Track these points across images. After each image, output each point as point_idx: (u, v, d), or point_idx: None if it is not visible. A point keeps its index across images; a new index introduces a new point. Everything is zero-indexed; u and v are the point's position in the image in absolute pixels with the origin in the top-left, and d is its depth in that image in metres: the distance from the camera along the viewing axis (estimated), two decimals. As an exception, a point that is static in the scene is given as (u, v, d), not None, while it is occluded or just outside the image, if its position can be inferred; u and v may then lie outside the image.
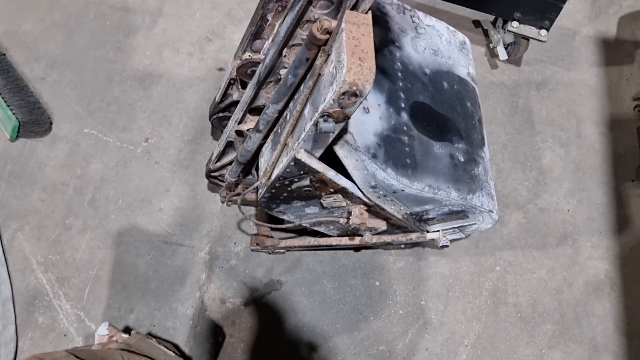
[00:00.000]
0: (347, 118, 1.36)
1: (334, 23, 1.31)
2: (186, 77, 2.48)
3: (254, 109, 1.77)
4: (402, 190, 1.67)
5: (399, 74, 1.85)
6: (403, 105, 1.79)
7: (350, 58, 1.25)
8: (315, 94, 1.41)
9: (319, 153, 1.52)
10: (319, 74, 1.38)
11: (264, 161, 1.82)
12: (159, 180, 2.27)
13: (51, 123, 2.35)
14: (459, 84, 2.01)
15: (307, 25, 1.42)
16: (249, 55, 1.85)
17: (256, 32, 1.75)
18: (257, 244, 2.13)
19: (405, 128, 1.75)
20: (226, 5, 2.67)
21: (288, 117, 1.57)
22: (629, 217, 2.30)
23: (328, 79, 1.33)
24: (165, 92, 2.44)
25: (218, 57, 2.53)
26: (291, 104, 1.56)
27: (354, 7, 1.32)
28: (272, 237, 2.15)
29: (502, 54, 2.47)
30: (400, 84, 1.83)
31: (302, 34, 1.44)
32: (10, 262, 2.10)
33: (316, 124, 1.37)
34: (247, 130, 1.81)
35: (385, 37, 1.88)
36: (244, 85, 1.94)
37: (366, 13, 1.33)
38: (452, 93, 1.97)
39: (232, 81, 1.94)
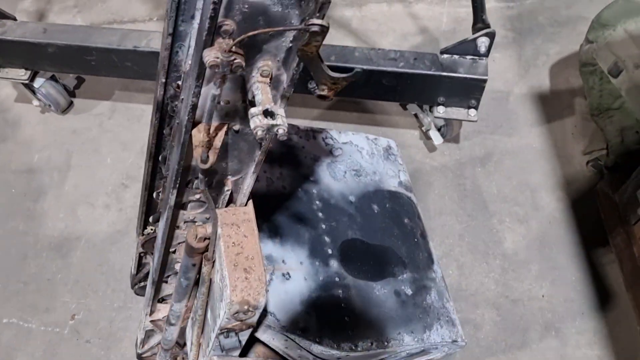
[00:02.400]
0: (251, 326, 1.15)
1: (209, 228, 1.11)
2: (106, 234, 2.27)
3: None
4: (347, 355, 1.46)
5: (320, 214, 1.65)
6: (330, 251, 1.59)
7: (233, 273, 1.05)
8: (211, 301, 1.21)
9: (237, 352, 1.31)
10: (210, 280, 1.18)
11: (189, 343, 1.60)
12: (93, 362, 2.03)
13: (-36, 321, 2.11)
14: (391, 200, 1.83)
15: (187, 224, 1.22)
16: (151, 229, 1.66)
17: (147, 209, 1.57)
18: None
19: (337, 279, 1.55)
20: (137, 143, 2.48)
21: (193, 316, 1.36)
22: (608, 289, 2.10)
23: (218, 292, 1.12)
24: (86, 257, 2.22)
25: (137, 203, 2.32)
26: (194, 303, 1.36)
27: (230, 202, 1.13)
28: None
29: (436, 138, 2.30)
30: (323, 226, 1.63)
31: (182, 233, 1.25)
32: None
33: (218, 339, 1.16)
34: (163, 317, 1.60)
35: (296, 176, 1.69)
36: (157, 254, 1.73)
37: (245, 205, 1.13)
38: (385, 214, 1.78)
39: (142, 254, 1.74)
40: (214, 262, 1.14)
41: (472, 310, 2.08)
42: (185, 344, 1.82)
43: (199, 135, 0.87)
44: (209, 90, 0.83)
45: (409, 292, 1.66)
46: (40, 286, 2.17)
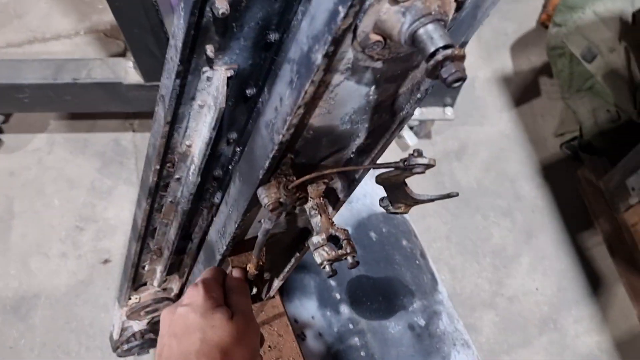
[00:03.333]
0: None
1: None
2: (68, 287, 2.04)
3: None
4: (374, 409, 1.36)
5: (321, 255, 1.52)
6: (339, 295, 1.48)
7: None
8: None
9: None
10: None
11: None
12: None
13: None
14: (386, 223, 1.72)
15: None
16: (137, 298, 1.50)
17: (134, 279, 1.40)
18: None
19: (351, 326, 1.44)
20: (85, 178, 2.23)
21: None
22: (597, 273, 2.11)
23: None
24: (50, 315, 2.00)
25: (98, 246, 2.11)
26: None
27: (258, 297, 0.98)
28: None
29: (410, 138, 2.20)
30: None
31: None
32: None
33: None
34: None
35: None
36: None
37: (273, 297, 0.99)
38: (384, 241, 1.67)
39: (124, 322, 1.57)
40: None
41: (470, 314, 2.04)
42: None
43: (247, 268, 0.71)
44: (258, 222, 0.67)
45: (422, 322, 1.57)
46: (3, 356, 1.94)
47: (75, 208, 2.18)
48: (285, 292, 1.40)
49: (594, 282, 2.10)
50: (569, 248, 2.15)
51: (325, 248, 0.64)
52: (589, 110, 2.15)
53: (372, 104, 0.56)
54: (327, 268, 0.64)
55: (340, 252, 0.65)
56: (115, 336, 1.65)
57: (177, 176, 1.00)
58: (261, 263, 0.77)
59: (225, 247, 0.70)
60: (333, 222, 0.67)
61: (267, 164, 0.55)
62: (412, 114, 0.58)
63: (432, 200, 0.63)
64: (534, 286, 2.09)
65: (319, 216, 0.66)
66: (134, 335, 1.66)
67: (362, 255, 1.61)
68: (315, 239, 0.65)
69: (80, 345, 1.96)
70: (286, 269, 0.87)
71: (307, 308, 1.41)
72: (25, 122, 2.33)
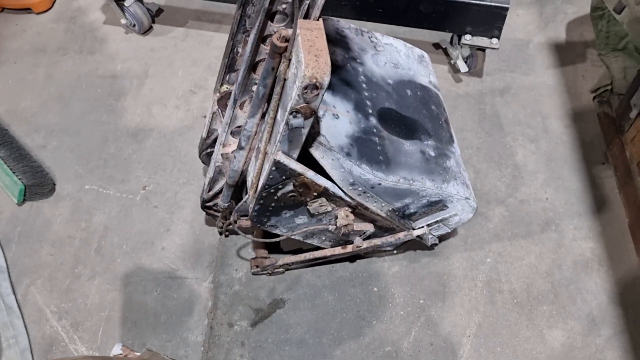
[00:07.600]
0: (314, 112, 1.52)
1: (290, 32, 1.50)
2: (175, 128, 2.67)
3: (235, 132, 1.94)
4: (379, 184, 1.81)
5: (364, 85, 2.03)
6: (370, 111, 1.96)
7: (307, 55, 1.43)
8: (283, 98, 1.59)
9: (296, 154, 1.67)
10: (284, 79, 1.56)
11: (249, 178, 1.97)
12: (159, 222, 2.41)
13: (54, 184, 2.51)
14: (422, 90, 2.19)
15: (269, 40, 1.61)
16: (227, 87, 2.04)
17: (230, 64, 1.95)
18: (257, 266, 2.25)
19: (375, 130, 1.91)
20: (205, 61, 2.90)
21: (264, 127, 1.74)
22: (604, 197, 2.42)
23: (292, 80, 1.50)
24: (158, 143, 2.63)
25: (202, 106, 2.74)
26: (266, 115, 1.73)
27: (306, 16, 1.51)
28: (269, 257, 2.27)
29: (462, 67, 2.68)
30: (366, 93, 2.00)
31: (265, 48, 1.63)
32: (26, 314, 2.20)
33: (287, 122, 1.53)
34: (232, 152, 1.98)
35: (347, 56, 2.08)
36: (226, 118, 2.11)
37: (317, 20, 1.52)
38: (416, 98, 2.15)
39: (214, 115, 2.12)
40: (289, 60, 1.52)
41: (484, 205, 2.42)
42: (239, 201, 2.18)
43: None
44: None
45: (432, 154, 2.01)
46: (117, 163, 2.58)
47: (193, 79, 2.85)
48: (330, 89, 1.89)
49: (599, 203, 2.41)
50: (582, 175, 2.49)
51: None
52: (621, 67, 2.53)
53: None
54: None
55: None
56: (204, 135, 2.19)
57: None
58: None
59: None
60: None
61: None
62: None
63: None
64: (545, 196, 2.44)
65: None
66: (215, 140, 2.20)
67: (397, 99, 2.08)
68: None
69: (175, 167, 2.56)
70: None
71: (345, 105, 1.89)
72: (171, 18, 3.08)
